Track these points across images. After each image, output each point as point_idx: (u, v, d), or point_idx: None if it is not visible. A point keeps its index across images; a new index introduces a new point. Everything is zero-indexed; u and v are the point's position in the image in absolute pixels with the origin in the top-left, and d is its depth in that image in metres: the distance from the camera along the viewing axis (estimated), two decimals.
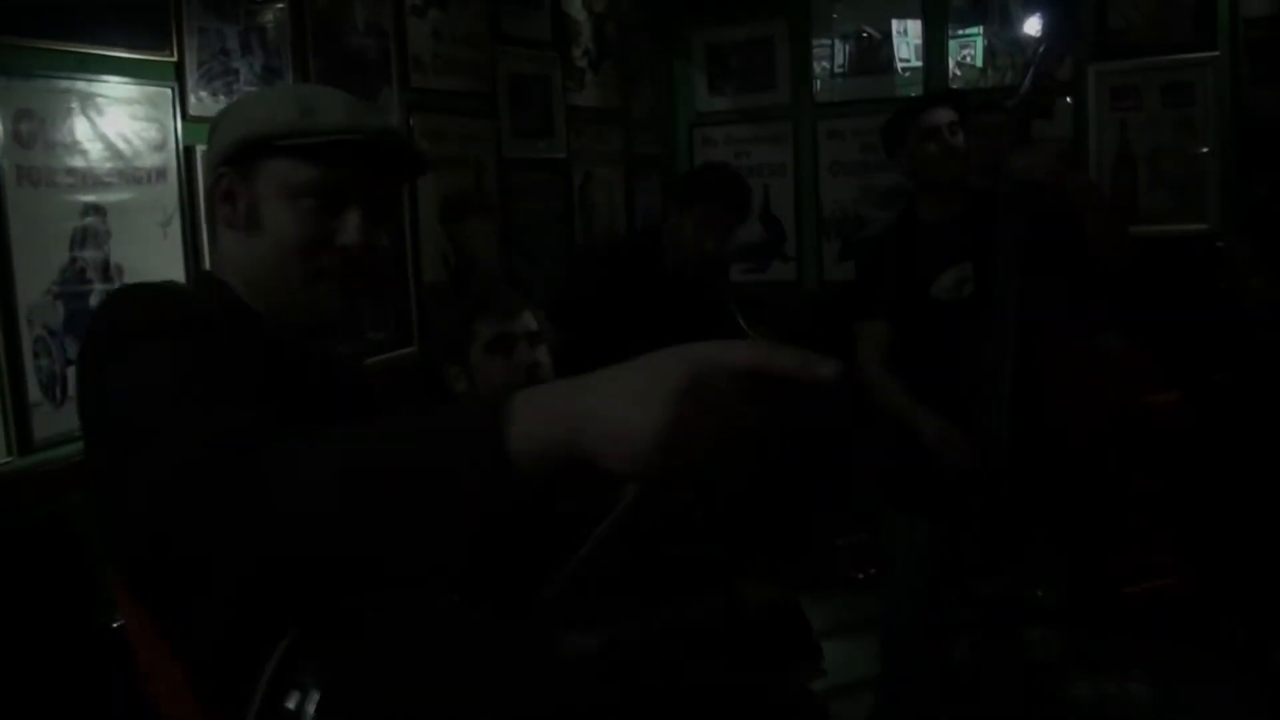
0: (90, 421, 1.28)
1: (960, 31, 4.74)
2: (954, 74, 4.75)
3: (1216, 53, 4.29)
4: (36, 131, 2.23)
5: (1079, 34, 4.17)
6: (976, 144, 3.24)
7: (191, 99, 2.60)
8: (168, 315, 1.25)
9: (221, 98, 2.67)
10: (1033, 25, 2.76)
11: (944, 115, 3.16)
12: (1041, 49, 2.77)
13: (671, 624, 2.17)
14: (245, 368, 1.22)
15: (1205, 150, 4.37)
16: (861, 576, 2.51)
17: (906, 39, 4.83)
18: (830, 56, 4.97)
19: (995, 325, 2.75)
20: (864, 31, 4.89)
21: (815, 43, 4.98)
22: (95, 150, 2.36)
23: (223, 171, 1.46)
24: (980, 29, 4.70)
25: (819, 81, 5.00)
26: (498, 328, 2.33)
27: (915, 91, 4.77)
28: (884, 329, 3.20)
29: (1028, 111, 2.77)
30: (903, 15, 4.82)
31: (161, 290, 1.39)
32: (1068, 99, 4.39)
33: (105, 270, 2.38)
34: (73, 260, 2.31)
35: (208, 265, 1.52)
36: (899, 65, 4.84)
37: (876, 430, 3.30)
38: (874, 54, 4.89)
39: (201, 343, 1.22)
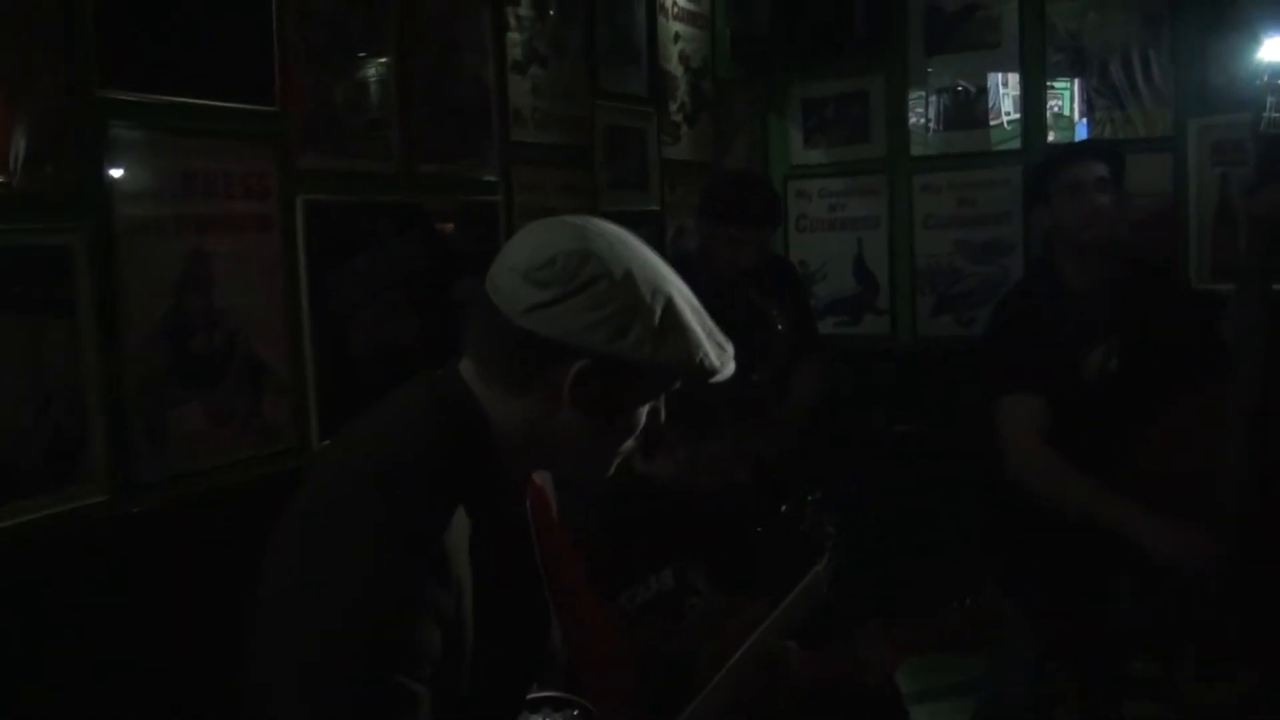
0: (285, 598, 1.27)
1: (1050, 85, 4.69)
2: (1050, 125, 4.70)
3: None
4: (144, 180, 2.30)
5: None
6: (1120, 203, 2.94)
7: (295, 150, 2.66)
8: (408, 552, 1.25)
9: (326, 150, 2.72)
10: (1274, 50, 2.49)
11: (1093, 170, 2.89)
12: None
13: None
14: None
15: None
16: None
17: (1003, 92, 4.79)
18: (925, 110, 4.94)
19: (1234, 393, 2.49)
20: (959, 85, 4.85)
21: (911, 96, 4.95)
22: (200, 199, 2.42)
23: (590, 364, 1.33)
24: (1070, 81, 4.64)
25: (914, 135, 4.97)
26: None
27: (1013, 145, 4.74)
28: (1041, 406, 2.82)
29: (1276, 146, 2.51)
30: (999, 69, 4.78)
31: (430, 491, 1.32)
32: None
33: (209, 316, 2.43)
34: (177, 305, 2.36)
35: (475, 401, 1.37)
36: (1003, 118, 4.79)
37: (992, 503, 3.12)
38: (969, 108, 4.85)
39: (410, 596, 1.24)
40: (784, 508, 2.50)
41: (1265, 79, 2.56)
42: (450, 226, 3.16)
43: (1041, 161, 3.14)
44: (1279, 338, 2.53)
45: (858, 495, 2.85)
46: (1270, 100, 2.51)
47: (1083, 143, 3.14)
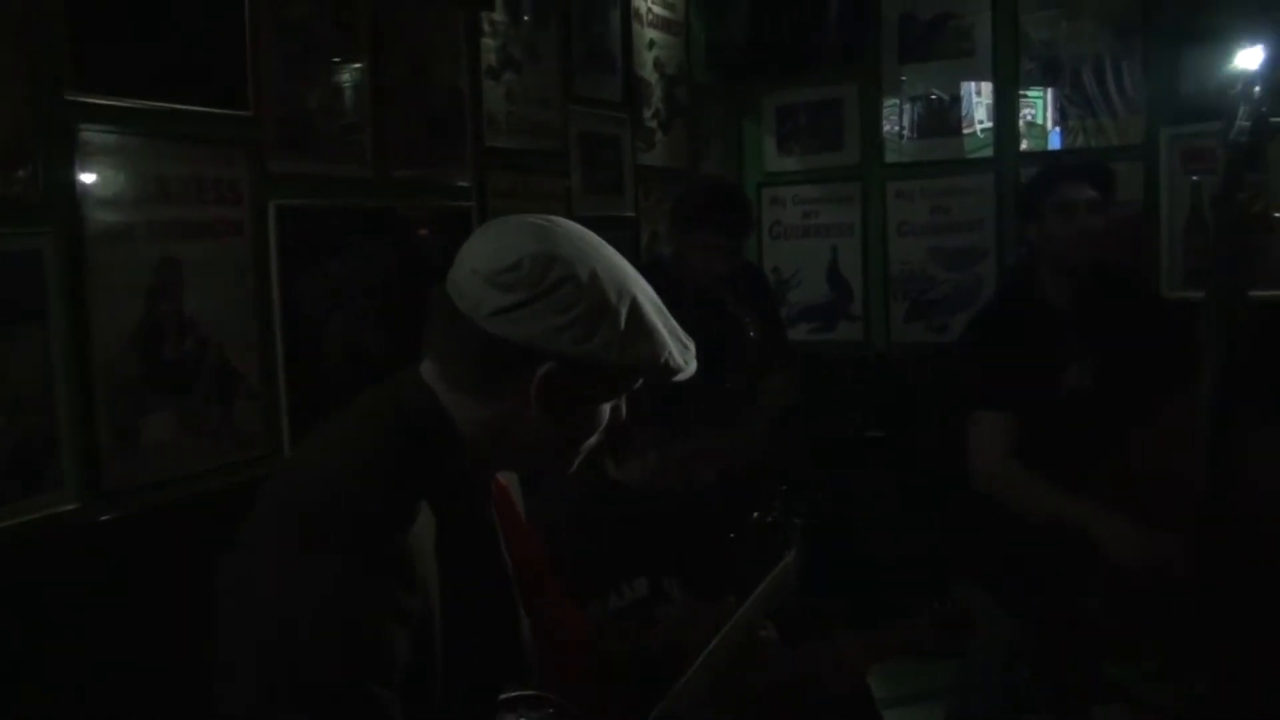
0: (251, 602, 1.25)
1: (1022, 93, 4.72)
2: (1022, 134, 4.73)
3: None
4: (115, 185, 2.29)
5: None
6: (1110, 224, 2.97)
7: (268, 155, 2.65)
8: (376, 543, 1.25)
9: (299, 155, 2.72)
10: (1247, 60, 2.50)
11: (1084, 192, 2.92)
12: (1258, 88, 2.50)
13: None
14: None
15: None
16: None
17: (976, 100, 4.82)
18: (899, 118, 4.96)
19: (1199, 398, 2.51)
20: (933, 94, 4.88)
21: (884, 103, 4.98)
22: (172, 204, 2.41)
23: (556, 366, 1.33)
24: (1043, 89, 4.68)
25: (888, 142, 5.00)
26: None
27: (985, 153, 4.77)
28: (1013, 422, 2.88)
29: (1247, 157, 2.51)
30: (972, 77, 4.81)
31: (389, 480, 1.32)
32: None
33: (180, 322, 2.42)
34: (148, 312, 2.35)
35: (436, 396, 1.37)
36: (976, 126, 4.81)
37: (963, 516, 3.13)
38: (943, 116, 4.88)
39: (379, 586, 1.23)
40: (755, 514, 2.51)
41: (1237, 88, 2.58)
42: (423, 232, 3.15)
43: (1035, 178, 3.16)
44: (1247, 346, 2.56)
45: (825, 488, 2.87)
46: (1242, 109, 2.53)
47: (1077, 164, 3.12)
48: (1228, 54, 3.92)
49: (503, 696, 1.48)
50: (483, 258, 1.33)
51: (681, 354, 1.39)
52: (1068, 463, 2.75)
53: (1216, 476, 2.52)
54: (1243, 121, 2.51)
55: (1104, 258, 2.98)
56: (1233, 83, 2.58)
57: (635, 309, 1.34)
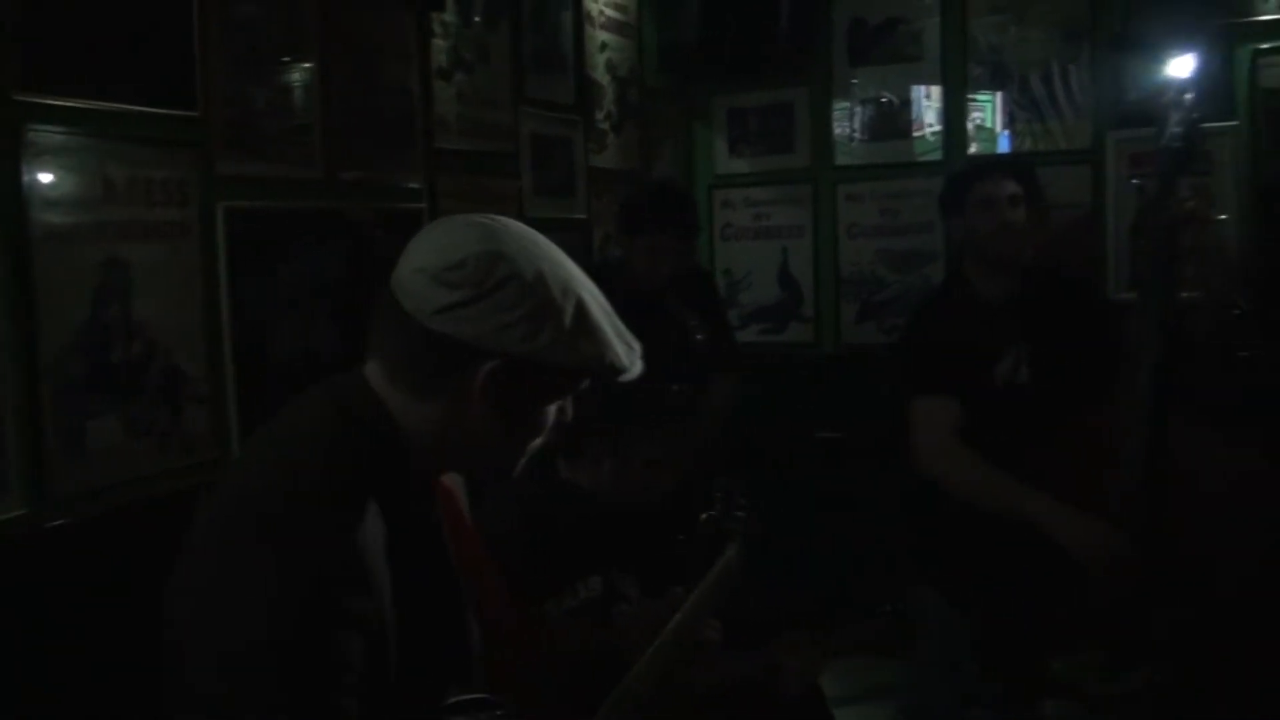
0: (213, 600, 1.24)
1: (971, 97, 4.78)
2: (971, 137, 4.78)
3: (1235, 122, 4.30)
4: (62, 185, 2.26)
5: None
6: (1038, 218, 3.00)
7: (216, 156, 2.63)
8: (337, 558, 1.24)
9: (247, 156, 2.69)
10: (1179, 68, 2.58)
11: (1005, 187, 2.96)
12: (1190, 95, 2.57)
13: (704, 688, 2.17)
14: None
15: (1224, 218, 4.35)
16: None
17: (926, 104, 4.86)
18: (849, 121, 5.00)
19: (1131, 397, 2.56)
20: (883, 97, 4.92)
21: (835, 106, 5.01)
22: (119, 205, 2.38)
23: (501, 365, 1.33)
24: (992, 94, 4.73)
25: (838, 145, 5.03)
26: None
27: (935, 156, 4.81)
28: (955, 407, 2.89)
29: (1179, 165, 2.57)
30: (922, 81, 4.85)
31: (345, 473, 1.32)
32: None
33: (127, 325, 2.39)
34: (95, 315, 2.32)
35: (375, 394, 1.36)
36: (926, 129, 4.85)
37: (913, 507, 3.17)
38: (893, 119, 4.92)
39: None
40: (704, 516, 2.52)
41: (1169, 95, 2.64)
42: (374, 234, 3.13)
43: (957, 174, 3.20)
44: (1179, 346, 2.61)
45: (769, 486, 2.88)
46: (1173, 115, 2.59)
47: (996, 157, 3.16)
48: (1170, 60, 4.00)
49: (451, 700, 1.48)
50: (428, 256, 1.33)
51: (627, 354, 1.39)
52: (1002, 455, 2.78)
53: (1148, 475, 2.57)
54: (1174, 128, 2.57)
55: (1031, 250, 3.01)
56: (1165, 90, 2.65)
57: (581, 308, 1.34)
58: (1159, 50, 3.86)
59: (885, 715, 3.39)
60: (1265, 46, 4.22)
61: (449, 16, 3.50)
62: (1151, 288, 2.61)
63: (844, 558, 4.37)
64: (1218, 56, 3.59)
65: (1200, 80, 2.66)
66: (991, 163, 3.12)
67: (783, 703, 2.37)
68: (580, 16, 4.32)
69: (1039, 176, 3.09)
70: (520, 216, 3.67)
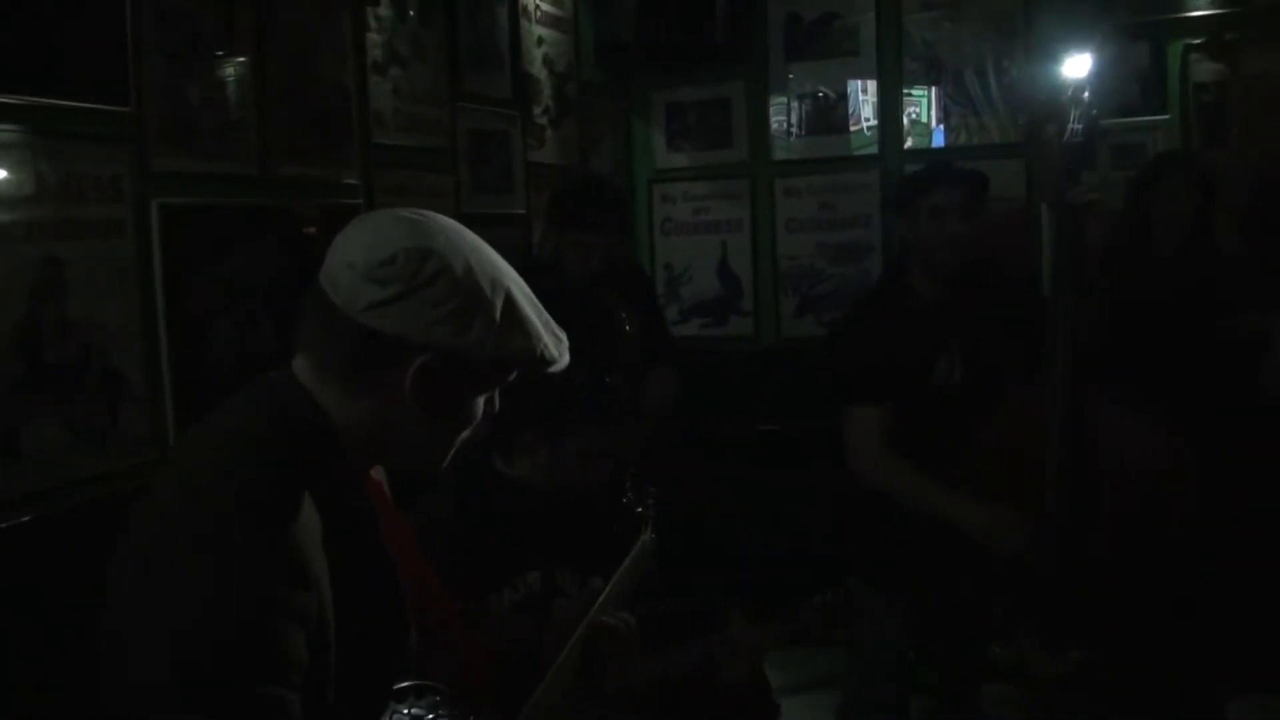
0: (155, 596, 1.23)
1: (907, 92, 4.83)
2: (907, 131, 4.83)
3: (1167, 116, 4.39)
4: None
5: None
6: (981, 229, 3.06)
7: (150, 152, 2.59)
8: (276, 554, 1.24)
9: (181, 151, 2.66)
10: (1075, 68, 2.68)
11: (953, 197, 2.99)
12: (1087, 94, 2.69)
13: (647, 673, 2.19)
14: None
15: None
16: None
17: (862, 99, 4.90)
18: (787, 115, 5.03)
19: (1052, 390, 2.68)
20: (820, 92, 4.96)
21: (772, 101, 5.04)
22: (52, 203, 2.34)
23: (432, 360, 1.33)
24: (927, 89, 4.79)
25: (776, 140, 5.06)
26: None
27: (871, 150, 4.87)
28: (884, 415, 2.98)
29: (1079, 157, 2.71)
30: (858, 76, 4.89)
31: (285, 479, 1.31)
32: None
33: (63, 325, 2.35)
34: (29, 314, 2.28)
35: (308, 390, 1.36)
36: (863, 124, 4.90)
37: (847, 507, 3.23)
38: (829, 114, 4.96)
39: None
40: (623, 500, 2.55)
41: (1069, 92, 2.76)
42: (311, 230, 3.11)
43: (912, 176, 3.27)
44: (1093, 332, 2.75)
45: (685, 474, 2.92)
46: (1073, 112, 2.71)
47: (950, 169, 3.22)
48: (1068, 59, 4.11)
49: (393, 688, 1.49)
50: (358, 252, 1.33)
51: (555, 346, 1.41)
52: (938, 452, 2.87)
53: (1068, 459, 2.68)
54: (1075, 124, 2.69)
55: (975, 256, 3.06)
56: (1065, 88, 2.75)
57: (510, 302, 1.35)
58: (1100, 44, 3.97)
59: (828, 703, 3.42)
60: (1196, 42, 4.31)
61: (384, 11, 3.48)
62: (1061, 278, 2.73)
63: (784, 548, 4.40)
64: (1130, 53, 3.70)
65: (1099, 78, 2.78)
66: (946, 173, 3.16)
67: (727, 691, 2.38)
68: (515, 11, 4.31)
69: (989, 188, 3.14)
70: (458, 212, 3.68)
